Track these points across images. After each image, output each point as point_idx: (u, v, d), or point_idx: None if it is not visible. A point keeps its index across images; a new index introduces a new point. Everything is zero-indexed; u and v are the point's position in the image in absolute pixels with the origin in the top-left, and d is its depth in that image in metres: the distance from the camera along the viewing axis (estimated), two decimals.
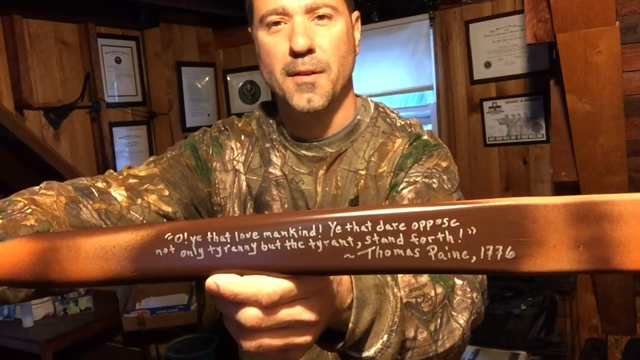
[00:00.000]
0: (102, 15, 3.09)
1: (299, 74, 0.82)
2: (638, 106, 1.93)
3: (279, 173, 0.92)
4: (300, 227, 0.39)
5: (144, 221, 0.85)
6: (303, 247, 0.39)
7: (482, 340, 2.45)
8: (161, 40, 3.33)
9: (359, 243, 0.38)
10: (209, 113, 3.58)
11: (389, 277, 0.57)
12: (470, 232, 0.36)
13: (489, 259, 0.36)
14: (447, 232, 0.37)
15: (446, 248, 0.37)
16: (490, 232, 0.36)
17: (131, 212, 0.83)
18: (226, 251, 0.40)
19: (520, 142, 2.77)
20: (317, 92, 0.83)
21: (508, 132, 2.79)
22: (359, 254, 0.38)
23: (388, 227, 0.38)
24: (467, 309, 0.67)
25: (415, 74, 2.98)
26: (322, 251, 0.39)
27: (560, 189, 2.57)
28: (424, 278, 0.65)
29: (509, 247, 0.36)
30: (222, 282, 0.40)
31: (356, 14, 0.91)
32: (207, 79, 3.57)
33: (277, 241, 0.39)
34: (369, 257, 0.38)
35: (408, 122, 0.93)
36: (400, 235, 0.37)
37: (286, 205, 0.91)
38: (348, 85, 0.91)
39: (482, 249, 0.36)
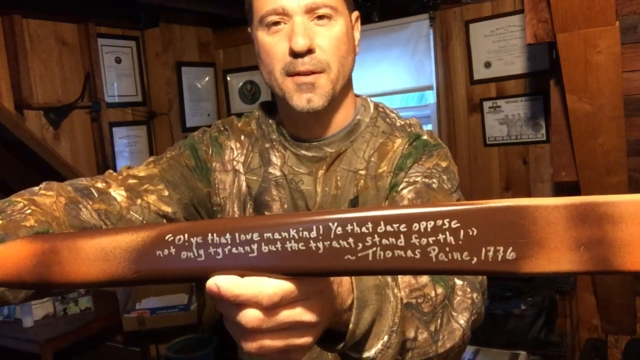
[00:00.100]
0: (102, 15, 3.09)
1: (298, 74, 0.82)
2: (638, 106, 1.93)
3: (278, 173, 0.92)
4: (301, 228, 0.39)
5: (144, 221, 0.85)
6: (304, 248, 0.39)
7: (482, 340, 2.45)
8: (161, 40, 3.33)
9: (360, 244, 0.38)
10: (209, 113, 3.58)
11: (389, 278, 0.57)
12: (471, 233, 0.36)
13: (490, 260, 0.36)
14: (447, 233, 0.37)
15: (447, 249, 0.37)
16: (491, 233, 0.36)
17: (131, 212, 0.83)
18: (227, 252, 0.40)
19: (520, 142, 2.77)
20: (316, 92, 0.83)
21: (508, 132, 2.79)
22: (359, 255, 0.38)
23: (389, 228, 0.38)
24: (467, 310, 0.67)
25: (415, 74, 2.98)
26: (322, 252, 0.39)
27: (560, 189, 2.57)
28: (424, 278, 0.65)
29: (510, 248, 0.36)
30: (223, 283, 0.40)
31: (356, 14, 0.91)
32: (207, 79, 3.57)
33: (278, 242, 0.39)
34: (370, 258, 0.38)
35: (408, 122, 0.93)
36: (401, 236, 0.37)
37: (286, 206, 0.91)
38: (348, 85, 0.91)
39: (483, 250, 0.36)
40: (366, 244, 0.38)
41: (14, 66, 2.69)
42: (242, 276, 0.40)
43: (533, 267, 0.36)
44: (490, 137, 2.84)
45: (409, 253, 0.37)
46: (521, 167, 2.79)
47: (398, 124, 0.93)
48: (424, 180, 0.82)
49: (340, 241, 0.38)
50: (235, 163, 0.95)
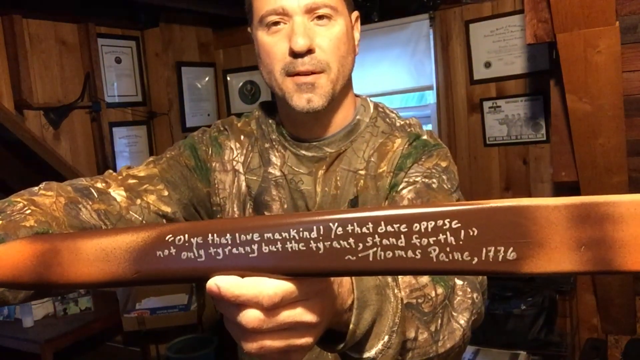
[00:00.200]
0: (102, 15, 3.09)
1: (298, 74, 0.82)
2: (638, 106, 1.93)
3: (278, 173, 0.92)
4: (301, 229, 0.39)
5: (144, 221, 0.84)
6: (304, 248, 0.39)
7: (482, 340, 2.45)
8: (161, 40, 3.33)
9: (360, 244, 0.38)
10: (209, 113, 3.58)
11: (389, 278, 0.57)
12: (471, 234, 0.36)
13: (491, 260, 0.36)
14: (448, 233, 0.37)
15: (447, 249, 0.37)
16: (491, 233, 0.36)
17: (130, 212, 0.83)
18: (227, 253, 0.40)
19: (520, 142, 2.77)
20: (316, 93, 0.83)
21: (508, 132, 2.79)
22: (360, 255, 0.38)
23: (389, 228, 0.38)
24: (467, 310, 0.67)
25: (415, 74, 2.98)
26: (323, 252, 0.39)
27: (560, 189, 2.57)
28: (425, 279, 0.65)
29: (511, 248, 0.36)
30: (223, 283, 0.40)
31: (356, 14, 0.91)
32: (207, 79, 3.57)
33: (278, 242, 0.39)
34: (370, 259, 0.38)
35: (407, 122, 0.93)
36: (402, 236, 0.37)
37: (286, 206, 0.91)
38: (348, 85, 0.91)
39: (484, 250, 0.36)
40: (367, 244, 0.38)
41: (14, 66, 2.70)
42: (243, 276, 0.40)
43: (534, 267, 0.36)
44: (490, 137, 2.84)
45: (410, 253, 0.37)
46: (521, 167, 2.79)
47: (398, 124, 0.93)
48: (423, 180, 0.82)
49: (341, 241, 0.38)
50: (235, 163, 0.95)
